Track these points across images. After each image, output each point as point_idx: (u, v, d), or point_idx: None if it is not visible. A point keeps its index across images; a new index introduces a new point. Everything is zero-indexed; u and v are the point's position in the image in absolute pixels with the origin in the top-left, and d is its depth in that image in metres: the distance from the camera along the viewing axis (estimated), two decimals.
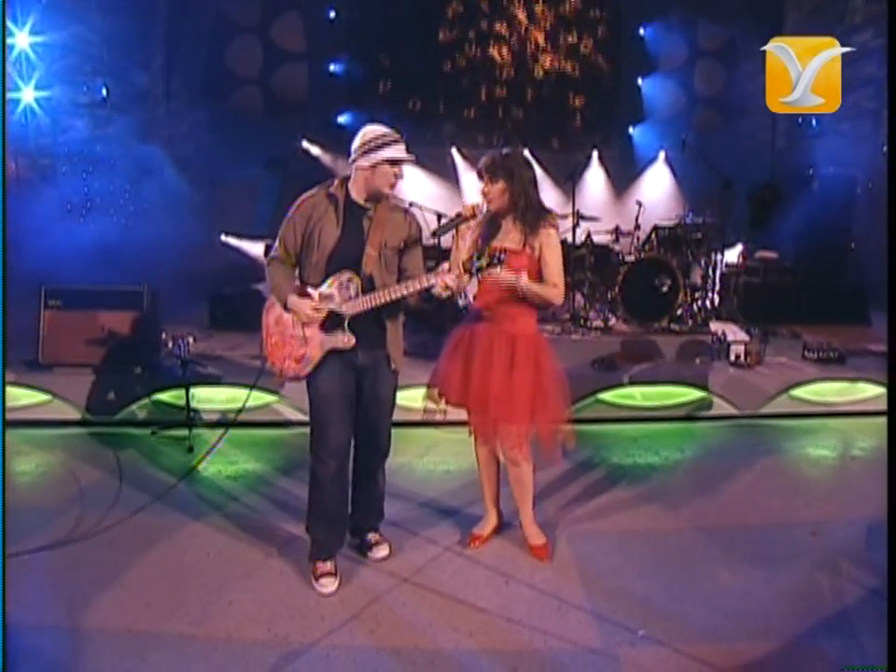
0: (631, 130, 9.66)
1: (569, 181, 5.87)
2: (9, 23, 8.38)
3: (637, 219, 6.37)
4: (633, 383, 4.78)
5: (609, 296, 5.57)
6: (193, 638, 2.45)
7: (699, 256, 5.88)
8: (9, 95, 8.57)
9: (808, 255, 6.86)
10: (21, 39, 8.52)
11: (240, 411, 3.65)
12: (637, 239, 5.93)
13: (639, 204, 6.47)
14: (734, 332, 5.11)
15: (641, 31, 9.55)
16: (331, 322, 2.72)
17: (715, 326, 5.20)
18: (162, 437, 4.38)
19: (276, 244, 2.81)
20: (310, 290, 2.76)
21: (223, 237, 9.24)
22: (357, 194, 2.76)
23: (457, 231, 2.80)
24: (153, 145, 9.47)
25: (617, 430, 4.60)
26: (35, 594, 2.72)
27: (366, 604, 2.67)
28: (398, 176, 2.73)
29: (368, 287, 2.71)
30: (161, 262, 7.74)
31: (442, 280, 2.58)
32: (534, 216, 2.83)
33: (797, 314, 5.93)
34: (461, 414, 3.02)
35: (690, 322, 5.56)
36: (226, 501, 3.56)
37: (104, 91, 9.27)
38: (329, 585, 2.76)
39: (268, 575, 2.88)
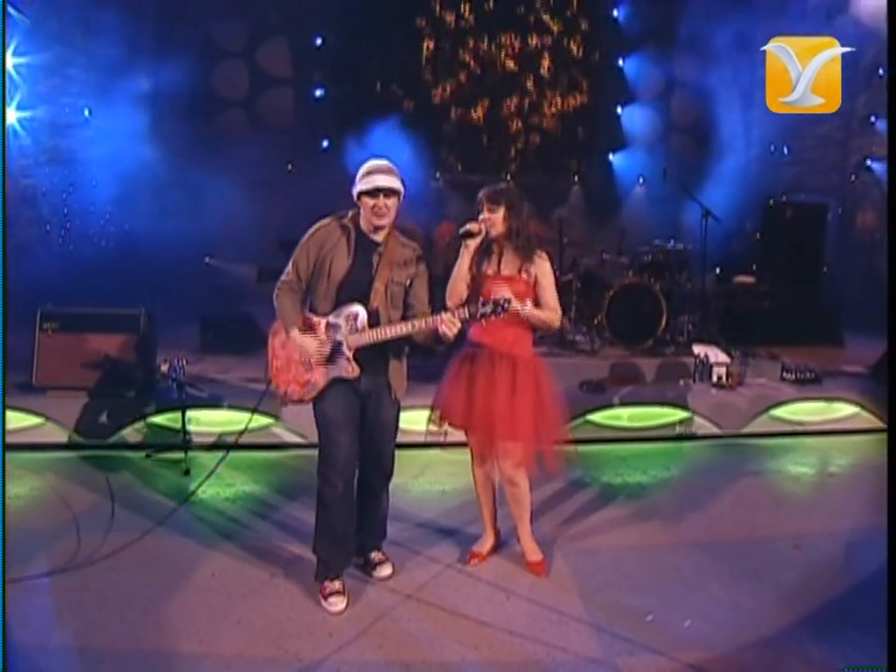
0: (611, 157, 9.98)
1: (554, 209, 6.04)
2: None
3: (619, 245, 6.59)
4: (622, 404, 4.93)
5: (596, 320, 5.74)
6: (205, 657, 2.50)
7: (680, 281, 6.10)
8: None
9: (784, 279, 7.12)
10: (6, 60, 8.55)
11: (242, 432, 3.70)
12: (622, 265, 6.14)
13: (622, 231, 6.70)
14: (715, 354, 5.30)
15: (620, 62, 9.93)
16: (337, 352, 2.81)
17: (697, 348, 5.39)
18: (158, 459, 4.40)
19: (289, 268, 2.89)
20: (317, 319, 2.86)
21: (207, 259, 9.25)
22: (364, 227, 2.88)
23: (464, 246, 2.95)
24: (137, 166, 9.51)
25: (606, 450, 4.73)
26: (41, 617, 2.74)
27: (372, 620, 2.74)
28: (378, 208, 2.78)
29: (374, 320, 2.81)
30: (144, 284, 7.76)
31: (446, 323, 2.69)
32: (529, 243, 3.00)
33: (775, 336, 6.16)
34: (455, 435, 3.14)
35: (673, 345, 5.75)
36: (226, 523, 3.60)
37: (85, 112, 9.31)
38: (338, 604, 2.82)
39: (273, 593, 2.93)
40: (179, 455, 4.31)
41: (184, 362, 4.62)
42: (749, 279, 7.02)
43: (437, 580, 3.05)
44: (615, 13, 9.80)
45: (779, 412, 5.06)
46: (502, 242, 3.00)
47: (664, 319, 5.64)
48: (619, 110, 10.01)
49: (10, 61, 8.48)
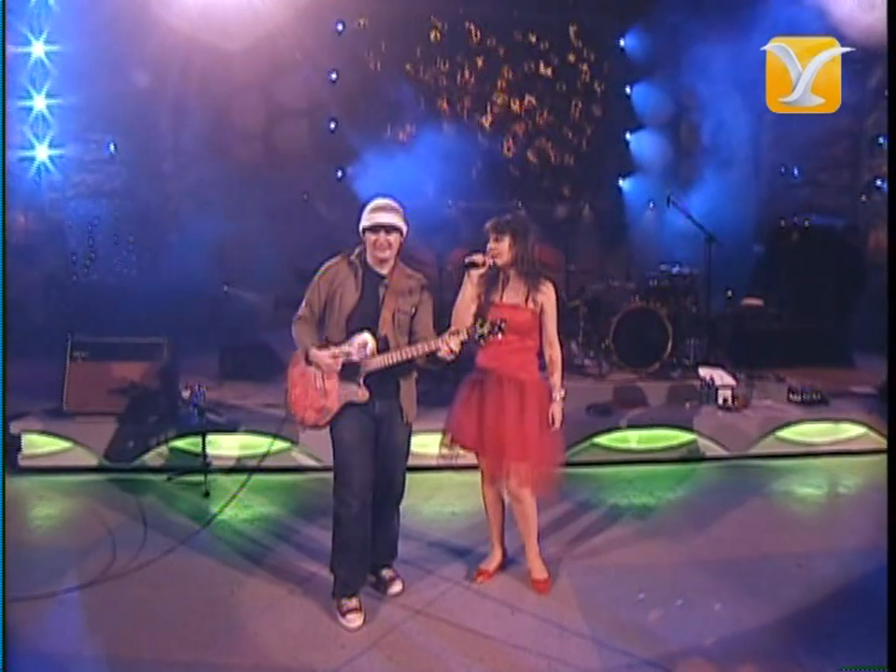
0: (620, 183, 10.17)
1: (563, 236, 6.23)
2: (28, 85, 8.96)
3: (627, 271, 6.75)
4: (629, 427, 5.03)
5: (603, 345, 5.88)
6: (225, 667, 2.65)
7: (686, 305, 6.22)
8: (24, 154, 9.08)
9: (793, 301, 7.19)
10: (39, 102, 9.05)
11: (263, 457, 3.90)
12: (628, 290, 6.28)
13: (629, 257, 6.85)
14: (721, 377, 5.40)
15: (628, 89, 10.18)
16: (348, 377, 3.00)
17: (703, 371, 5.49)
18: (178, 482, 4.58)
19: (303, 304, 3.13)
20: (331, 348, 3.05)
21: (225, 288, 9.50)
22: (370, 261, 3.09)
23: (468, 276, 3.13)
24: (158, 198, 9.90)
25: (613, 472, 4.83)
26: (72, 628, 2.92)
27: (383, 633, 2.87)
28: (379, 243, 3.00)
29: (382, 347, 3.01)
30: (165, 312, 8.04)
31: (447, 345, 2.87)
32: (535, 272, 3.17)
33: (782, 358, 6.23)
34: (466, 458, 3.29)
35: (679, 368, 5.85)
36: (244, 543, 3.76)
37: (111, 148, 9.75)
38: (355, 620, 2.95)
39: (289, 609, 3.07)
40: (200, 478, 4.49)
41: (205, 388, 4.83)
42: (757, 301, 7.11)
43: (445, 596, 3.18)
44: (621, 42, 10.09)
45: (786, 433, 5.12)
46: (508, 271, 3.17)
47: (669, 343, 5.75)
48: (628, 136, 10.25)
49: (43, 102, 9.03)
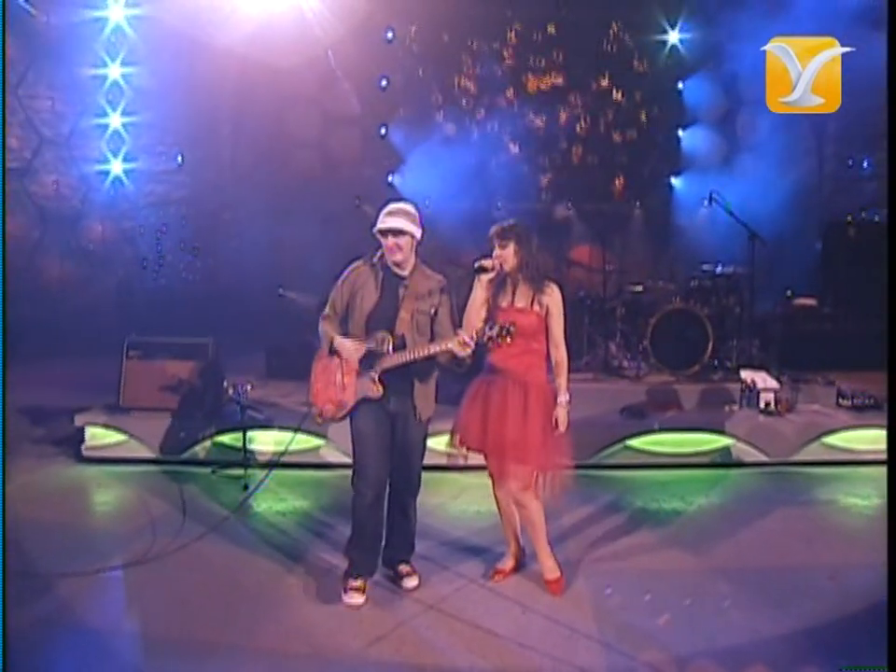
0: (672, 181, 9.93)
1: (600, 235, 6.17)
2: (104, 104, 9.64)
3: (670, 270, 6.61)
4: (662, 429, 4.95)
5: (640, 346, 5.80)
6: (243, 649, 2.82)
7: (729, 305, 6.04)
8: (101, 167, 9.77)
9: (852, 301, 6.84)
10: (114, 119, 9.72)
11: (283, 452, 4.09)
12: (668, 291, 6.16)
13: (672, 256, 6.71)
14: (764, 380, 5.22)
15: (680, 84, 9.93)
16: (364, 374, 3.13)
17: (745, 374, 5.33)
18: (221, 476, 4.84)
19: (328, 304, 3.31)
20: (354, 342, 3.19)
21: (280, 291, 9.85)
22: (390, 264, 3.20)
23: (478, 280, 3.20)
24: (220, 205, 10.41)
25: (645, 476, 4.77)
26: (113, 605, 3.20)
27: (394, 626, 2.97)
28: (389, 246, 3.12)
29: (400, 346, 3.12)
30: (227, 315, 8.46)
31: (460, 342, 2.95)
32: (540, 276, 3.21)
33: (835, 361, 5.96)
34: (473, 458, 3.34)
35: (720, 371, 5.70)
36: (275, 534, 3.95)
37: (179, 159, 10.34)
38: (356, 598, 3.12)
39: (308, 598, 3.22)
40: (240, 471, 4.73)
41: (249, 387, 5.07)
42: (810, 301, 6.81)
43: (459, 593, 3.25)
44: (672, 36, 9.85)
45: (833, 439, 4.92)
46: (515, 276, 3.22)
47: (710, 345, 5.61)
48: (680, 133, 10.00)
49: (119, 119, 9.70)
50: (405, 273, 3.21)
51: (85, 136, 9.62)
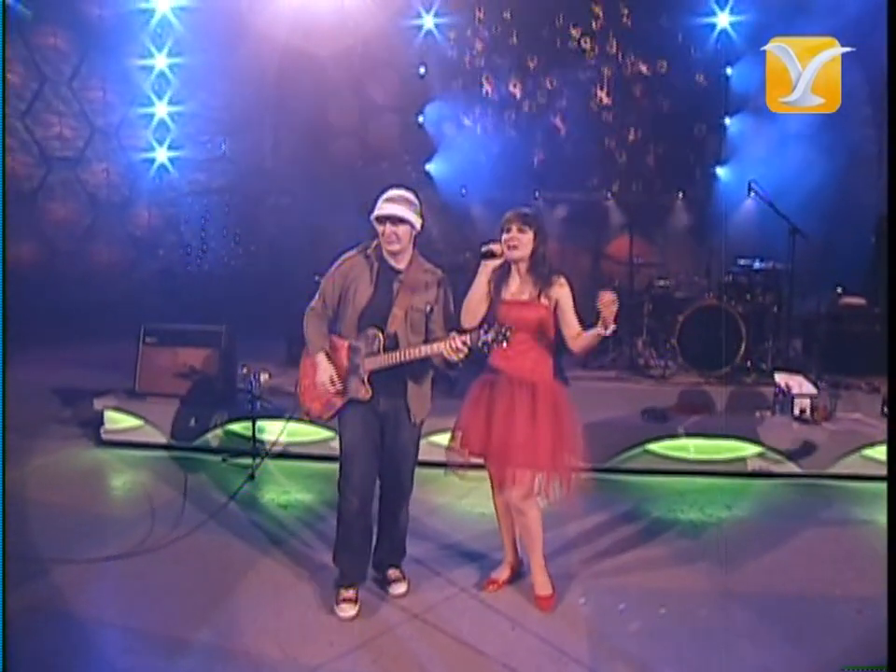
0: (718, 171, 9.46)
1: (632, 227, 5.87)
2: (151, 94, 9.82)
3: (708, 264, 6.24)
4: (687, 434, 4.67)
5: (668, 344, 5.49)
6: (217, 648, 2.74)
7: (765, 303, 5.65)
8: (146, 155, 9.99)
9: None
10: (160, 108, 9.93)
11: (274, 443, 4.02)
12: (700, 286, 5.82)
13: (710, 250, 6.34)
14: (800, 384, 4.86)
15: (728, 70, 9.42)
16: (353, 374, 2.98)
17: (780, 377, 4.97)
18: (231, 464, 4.83)
19: (317, 296, 3.11)
20: (341, 342, 3.05)
21: (316, 277, 9.86)
22: (385, 253, 3.03)
23: (483, 266, 2.96)
24: (261, 192, 10.49)
25: (664, 483, 4.50)
26: (98, 596, 3.17)
27: (375, 635, 2.84)
28: (386, 234, 2.91)
29: (391, 344, 2.94)
30: (264, 301, 8.51)
31: (452, 347, 2.76)
32: (547, 269, 2.98)
33: (881, 366, 5.50)
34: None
35: (753, 373, 5.34)
36: (273, 527, 3.88)
37: (223, 147, 10.46)
38: (348, 610, 2.98)
39: (293, 598, 3.12)
40: (250, 460, 4.70)
41: (266, 375, 5.04)
42: (858, 300, 6.33)
43: (447, 603, 3.09)
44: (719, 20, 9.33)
45: (874, 452, 4.52)
46: (522, 265, 3.00)
47: (743, 345, 5.26)
48: (727, 121, 9.50)
49: (165, 109, 9.93)
50: (401, 265, 3.02)
51: (133, 126, 9.87)
